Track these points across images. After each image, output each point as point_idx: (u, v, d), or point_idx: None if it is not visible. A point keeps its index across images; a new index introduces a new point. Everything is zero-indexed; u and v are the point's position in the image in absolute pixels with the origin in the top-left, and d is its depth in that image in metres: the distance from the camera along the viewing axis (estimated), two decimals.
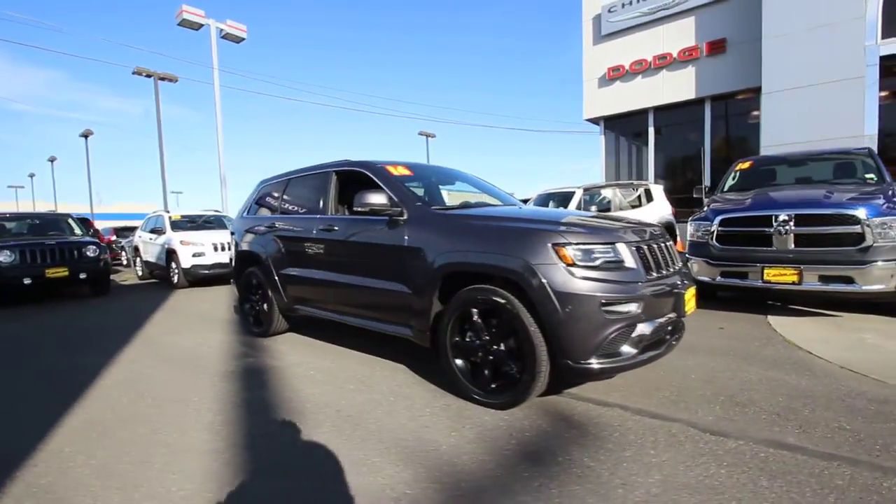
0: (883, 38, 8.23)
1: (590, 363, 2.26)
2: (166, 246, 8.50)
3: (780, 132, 9.26)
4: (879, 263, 3.92)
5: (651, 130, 11.71)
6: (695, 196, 6.58)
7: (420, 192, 3.53)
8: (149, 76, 16.31)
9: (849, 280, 4.01)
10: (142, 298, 7.36)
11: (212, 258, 8.15)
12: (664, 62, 11.00)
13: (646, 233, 2.64)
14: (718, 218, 4.61)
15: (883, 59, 8.28)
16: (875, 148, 8.19)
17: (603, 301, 2.23)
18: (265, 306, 4.27)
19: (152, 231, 9.31)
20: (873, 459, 1.88)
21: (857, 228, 4.00)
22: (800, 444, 2.03)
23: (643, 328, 2.32)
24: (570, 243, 2.32)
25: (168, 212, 10.08)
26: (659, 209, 8.72)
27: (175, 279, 8.35)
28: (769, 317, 4.35)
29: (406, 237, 2.95)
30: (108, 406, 2.79)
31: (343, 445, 2.17)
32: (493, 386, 2.55)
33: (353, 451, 2.11)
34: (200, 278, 8.21)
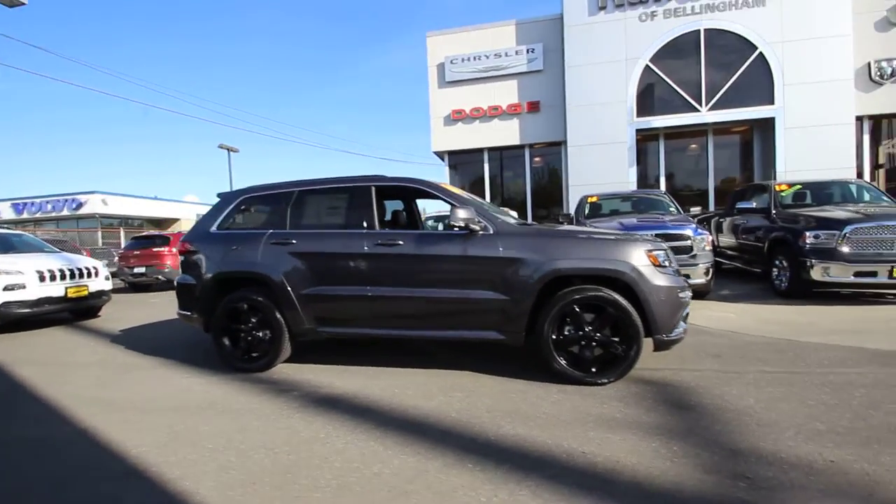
0: (637, 116, 12.26)
1: (671, 336, 3.17)
2: None
3: (580, 175, 12.52)
4: (700, 265, 6.16)
5: (486, 167, 13.95)
6: (560, 220, 8.48)
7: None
8: None
9: (686, 276, 6.15)
10: None
11: (36, 291, 5.89)
12: (496, 112, 13.39)
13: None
14: None
15: (637, 130, 12.31)
16: (636, 188, 12.05)
17: (678, 289, 3.19)
18: (266, 333, 3.72)
19: None
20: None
21: (688, 242, 6.19)
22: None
23: (688, 309, 3.38)
24: (654, 250, 3.21)
25: None
26: None
27: None
28: None
29: (500, 248, 3.32)
30: None
31: (566, 431, 2.43)
32: (594, 370, 3.18)
33: (577, 430, 2.43)
34: (15, 319, 5.82)
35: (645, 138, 12.52)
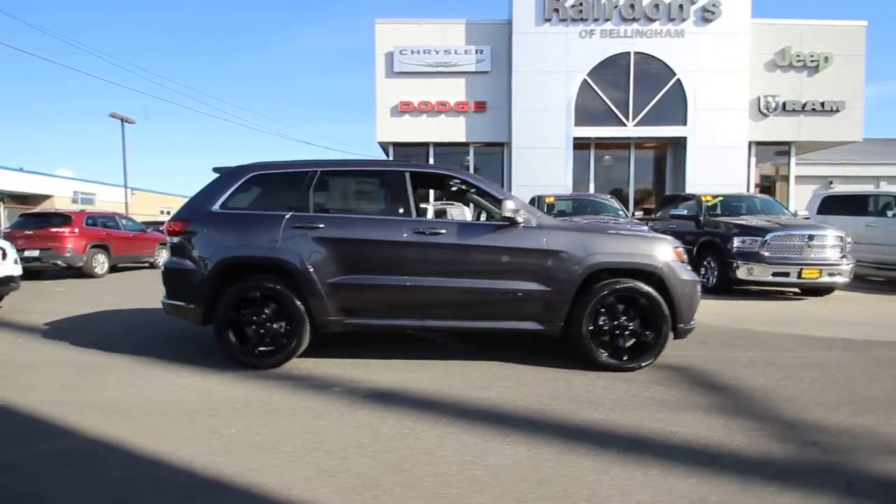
0: (575, 125, 13.15)
1: (689, 325, 3.52)
2: None
3: (523, 175, 13.12)
4: None
5: (431, 162, 13.94)
6: None
7: None
8: None
9: None
10: None
11: None
12: (444, 108, 13.45)
13: None
14: None
15: (574, 138, 13.21)
16: (571, 190, 12.94)
17: (696, 283, 3.55)
18: (282, 325, 3.39)
19: None
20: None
21: None
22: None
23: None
24: (678, 247, 3.53)
25: None
26: None
27: None
28: None
29: (545, 240, 3.40)
30: None
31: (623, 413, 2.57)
32: (626, 357, 3.42)
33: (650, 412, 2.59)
34: None
35: (579, 146, 13.49)
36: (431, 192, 8.49)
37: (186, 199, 3.78)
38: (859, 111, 13.69)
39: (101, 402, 2.79)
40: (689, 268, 3.64)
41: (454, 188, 4.00)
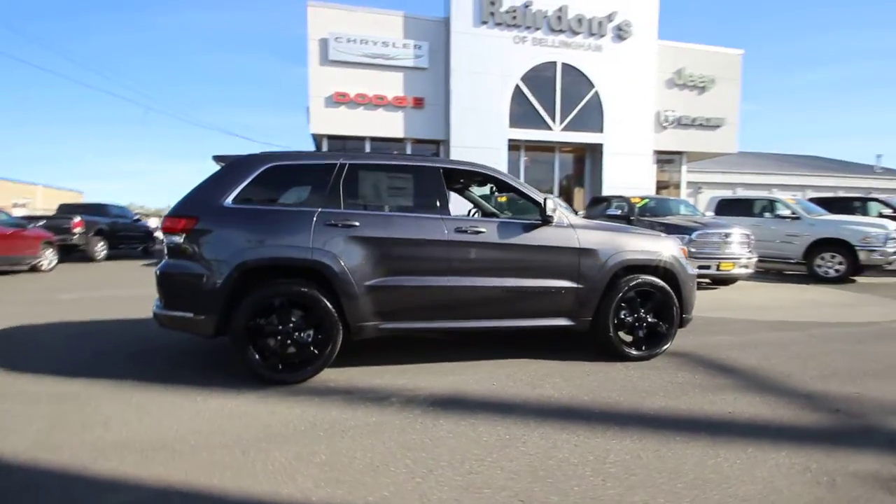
0: (510, 127, 13.69)
1: (690, 315, 3.92)
2: None
3: None
4: None
5: None
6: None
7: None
8: None
9: None
10: None
11: None
12: (382, 102, 13.10)
13: None
14: None
15: (508, 139, 13.75)
16: None
17: (696, 278, 3.97)
18: (309, 335, 3.08)
19: None
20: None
21: None
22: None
23: None
24: (682, 245, 3.91)
25: None
26: None
27: None
28: None
29: (578, 239, 3.53)
30: None
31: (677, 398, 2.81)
32: (644, 347, 3.71)
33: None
34: None
35: (511, 147, 14.09)
36: None
37: (190, 192, 3.21)
38: (735, 127, 16.24)
39: (121, 441, 2.30)
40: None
41: (488, 186, 3.97)
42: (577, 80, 14.28)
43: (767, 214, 10.60)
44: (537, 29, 13.73)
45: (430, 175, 3.47)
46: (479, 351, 3.89)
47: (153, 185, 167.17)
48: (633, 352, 3.64)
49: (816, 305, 6.48)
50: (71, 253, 11.78)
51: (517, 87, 13.76)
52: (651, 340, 3.72)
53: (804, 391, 3.03)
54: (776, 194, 13.94)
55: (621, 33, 14.38)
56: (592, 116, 14.55)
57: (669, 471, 2.03)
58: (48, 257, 10.00)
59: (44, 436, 2.34)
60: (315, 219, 3.14)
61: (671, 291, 3.71)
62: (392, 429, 2.43)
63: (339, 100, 12.75)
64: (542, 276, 3.49)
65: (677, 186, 16.94)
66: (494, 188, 4.42)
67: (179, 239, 3.07)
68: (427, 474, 1.99)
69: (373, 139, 13.42)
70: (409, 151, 13.93)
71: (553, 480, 1.95)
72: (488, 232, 3.42)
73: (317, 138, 13.37)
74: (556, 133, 14.35)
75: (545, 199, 3.45)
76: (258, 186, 3.23)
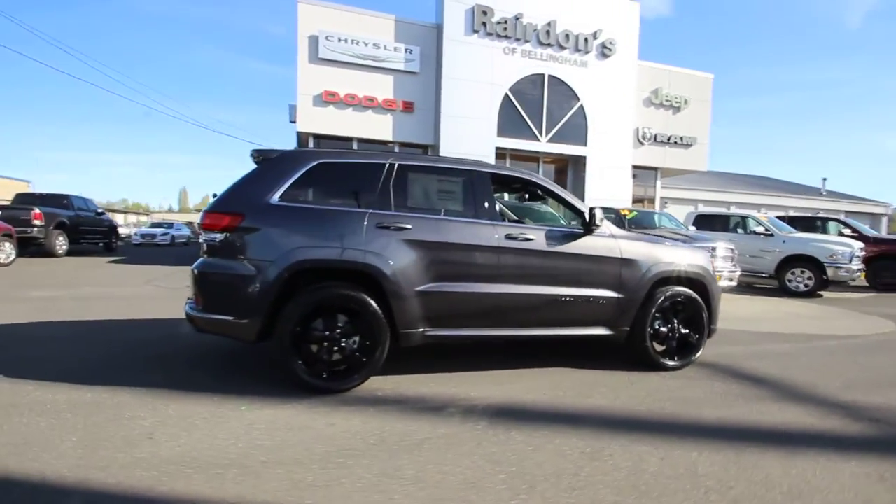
0: (498, 136, 13.81)
1: (716, 326, 4.04)
2: None
3: None
4: None
5: None
6: None
7: None
8: None
9: None
10: None
11: None
12: (372, 104, 12.92)
13: None
14: None
15: (496, 147, 13.87)
16: None
17: (720, 289, 4.09)
18: (360, 341, 2.94)
19: None
20: None
21: None
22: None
23: None
24: (710, 257, 4.03)
25: None
26: None
27: None
28: None
29: (620, 249, 3.56)
30: None
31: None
32: (676, 357, 3.78)
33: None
34: None
35: (498, 155, 14.23)
36: None
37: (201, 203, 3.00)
38: (706, 146, 17.09)
39: (177, 457, 2.10)
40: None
41: (532, 194, 3.94)
42: (563, 94, 14.62)
43: (740, 230, 11.20)
44: (527, 41, 13.97)
45: (479, 179, 3.42)
46: (514, 360, 3.85)
47: (100, 178, 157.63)
48: (669, 362, 3.71)
49: (798, 318, 6.85)
50: (28, 247, 10.87)
51: (506, 96, 13.93)
52: (683, 350, 3.80)
53: (836, 402, 3.16)
54: (744, 211, 14.69)
55: (605, 51, 14.86)
56: (577, 129, 14.92)
57: (762, 482, 2.05)
58: (6, 251, 9.19)
59: (85, 452, 2.10)
60: (367, 220, 3.01)
61: (702, 302, 3.81)
62: (468, 441, 2.35)
63: (328, 99, 12.47)
64: (587, 285, 3.50)
65: (651, 201, 17.62)
66: (527, 196, 4.41)
67: (221, 237, 2.87)
68: (529, 490, 1.92)
69: (361, 140, 13.20)
70: None
71: (658, 496, 1.93)
72: (537, 239, 3.39)
73: (302, 137, 13.01)
74: (543, 144, 14.61)
75: (591, 209, 3.47)
76: (305, 184, 3.08)
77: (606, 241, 3.58)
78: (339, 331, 2.93)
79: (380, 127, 13.16)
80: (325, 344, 2.91)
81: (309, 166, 3.07)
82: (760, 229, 10.63)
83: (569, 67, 14.55)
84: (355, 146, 13.22)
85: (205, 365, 3.47)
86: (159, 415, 2.52)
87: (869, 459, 2.30)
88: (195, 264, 2.98)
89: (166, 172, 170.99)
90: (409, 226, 3.09)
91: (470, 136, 13.44)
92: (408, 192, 3.29)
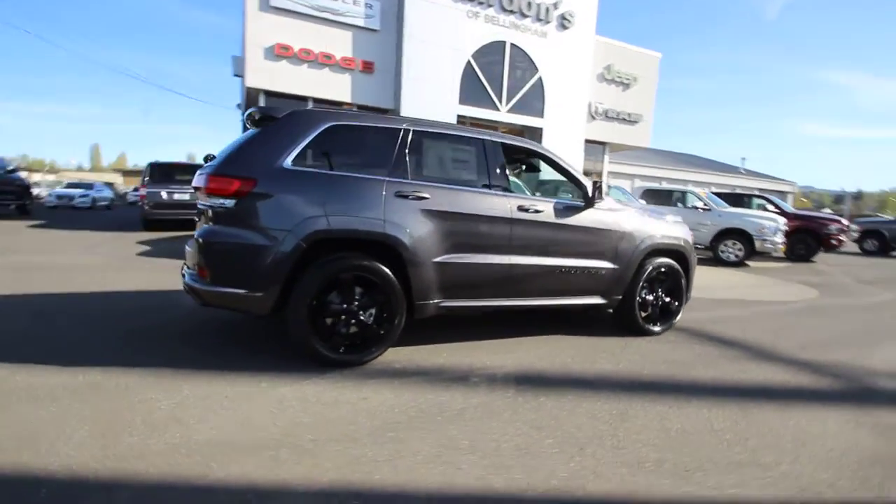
0: (460, 103, 13.58)
1: (690, 295, 4.39)
2: None
3: None
4: None
5: None
6: None
7: None
8: None
9: None
10: None
11: None
12: (329, 61, 12.12)
13: None
14: None
15: (458, 115, 13.67)
16: None
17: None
18: (376, 313, 2.89)
19: None
20: None
21: None
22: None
23: None
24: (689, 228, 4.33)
25: None
26: None
27: None
28: None
29: (618, 221, 3.72)
30: None
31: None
32: (658, 323, 4.08)
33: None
34: None
35: (459, 123, 14.05)
36: None
37: (233, 149, 2.72)
38: (650, 124, 17.95)
39: (217, 440, 1.99)
40: None
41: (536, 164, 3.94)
42: (523, 63, 14.57)
43: (680, 205, 12.08)
44: (490, 6, 13.64)
45: (493, 149, 3.38)
46: (511, 328, 3.96)
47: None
48: (654, 328, 4.00)
49: (736, 286, 7.60)
50: None
51: (469, 63, 13.65)
52: (664, 316, 4.11)
53: (798, 360, 3.60)
54: (684, 187, 15.74)
55: (565, 22, 14.90)
56: (535, 100, 15.02)
57: (770, 433, 2.32)
58: None
59: (107, 441, 1.92)
60: (385, 189, 2.89)
61: (682, 272, 4.11)
62: (504, 409, 2.43)
63: (280, 53, 11.53)
64: (589, 256, 3.65)
65: (599, 174, 18.36)
66: (524, 167, 4.42)
67: (230, 203, 2.63)
68: (581, 452, 2.04)
69: (316, 101, 12.42)
70: None
71: (692, 449, 2.12)
72: (546, 211, 3.45)
73: (252, 93, 12.00)
74: (503, 114, 14.59)
75: (594, 182, 3.58)
76: (318, 147, 2.88)
77: (605, 214, 3.72)
78: (356, 303, 2.84)
79: (337, 87, 12.45)
80: (343, 317, 2.82)
81: (322, 128, 2.87)
82: (700, 204, 11.51)
83: (530, 36, 14.46)
84: (310, 106, 12.44)
85: (198, 340, 3.24)
86: (174, 397, 2.34)
87: (843, 409, 2.67)
88: (199, 232, 2.73)
89: (73, 124, 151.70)
90: (427, 195, 3.01)
91: (431, 102, 13.10)
92: (423, 159, 3.19)
